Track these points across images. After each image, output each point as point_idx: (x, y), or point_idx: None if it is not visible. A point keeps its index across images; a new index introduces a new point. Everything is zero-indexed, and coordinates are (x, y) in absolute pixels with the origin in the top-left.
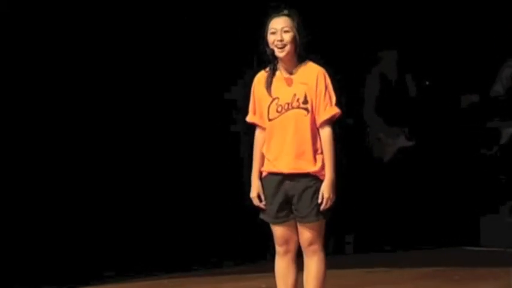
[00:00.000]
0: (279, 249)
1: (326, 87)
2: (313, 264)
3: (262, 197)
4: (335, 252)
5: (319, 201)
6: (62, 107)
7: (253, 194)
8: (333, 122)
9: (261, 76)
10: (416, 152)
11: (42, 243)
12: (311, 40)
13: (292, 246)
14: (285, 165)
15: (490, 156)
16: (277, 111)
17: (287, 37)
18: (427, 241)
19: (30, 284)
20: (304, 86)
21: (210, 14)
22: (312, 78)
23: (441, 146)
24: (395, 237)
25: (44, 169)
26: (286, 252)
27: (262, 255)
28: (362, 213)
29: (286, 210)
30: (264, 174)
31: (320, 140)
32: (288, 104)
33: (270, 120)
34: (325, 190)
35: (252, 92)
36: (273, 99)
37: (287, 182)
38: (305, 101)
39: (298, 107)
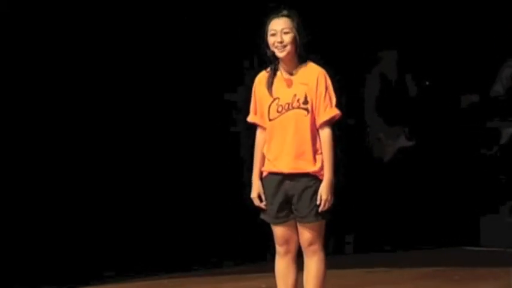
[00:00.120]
0: (279, 249)
1: (326, 88)
2: (313, 264)
3: (263, 197)
4: (335, 252)
5: (318, 202)
6: (62, 107)
7: (253, 194)
8: (332, 123)
9: (262, 76)
10: (416, 152)
11: (42, 243)
12: (311, 40)
13: (293, 246)
14: (285, 165)
15: (490, 156)
16: (277, 111)
17: (287, 38)
18: (427, 241)
19: (30, 284)
20: (304, 86)
21: (210, 14)
22: (313, 78)
23: (441, 146)
24: (395, 237)
25: (44, 169)
26: (286, 252)
27: (262, 255)
28: (362, 213)
29: (286, 210)
30: (264, 174)
31: (320, 140)
32: (289, 104)
33: (270, 120)
34: (324, 191)
35: (253, 92)
36: (274, 99)
37: (287, 182)
38: (305, 102)
39: (299, 107)
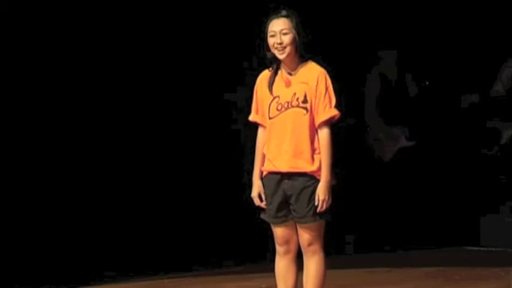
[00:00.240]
0: (279, 249)
1: (326, 89)
2: (313, 264)
3: (263, 197)
4: (335, 252)
5: (316, 203)
6: (62, 107)
7: (253, 194)
8: (331, 124)
9: (264, 76)
10: (416, 152)
11: (42, 243)
12: (311, 40)
13: (293, 246)
14: (283, 163)
15: (490, 156)
16: (277, 109)
17: (286, 39)
18: (427, 241)
19: (30, 284)
20: (304, 85)
21: (209, 14)
22: (313, 78)
23: (441, 146)
24: (395, 237)
25: (44, 169)
26: (286, 252)
27: (262, 255)
28: (362, 213)
29: (286, 210)
30: (264, 173)
31: (319, 140)
32: (288, 102)
33: (270, 118)
34: (321, 192)
35: (255, 91)
36: (274, 98)
37: (285, 181)
38: (304, 101)
39: (298, 106)
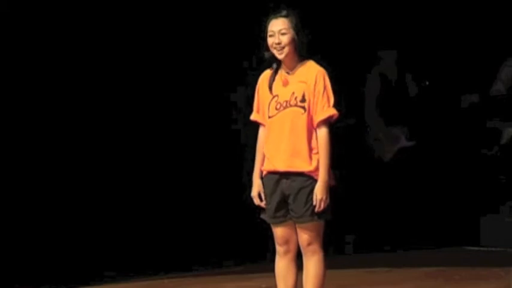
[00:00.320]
0: (279, 249)
1: (325, 88)
2: (312, 264)
3: (263, 196)
4: (335, 252)
5: (314, 202)
6: (62, 107)
7: (253, 193)
8: (330, 123)
9: (266, 75)
10: (416, 152)
11: (42, 243)
12: (311, 40)
13: (293, 246)
14: (281, 163)
15: (491, 156)
16: (276, 108)
17: (284, 39)
18: (427, 241)
19: (30, 284)
20: (303, 84)
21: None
22: (311, 77)
23: (441, 146)
24: (395, 237)
25: (44, 169)
26: (286, 252)
27: (262, 255)
28: (362, 213)
29: (284, 209)
30: (264, 173)
31: (317, 139)
32: (287, 102)
33: (269, 117)
34: (318, 191)
35: (256, 91)
36: (273, 97)
37: (284, 181)
38: (303, 100)
39: (296, 105)
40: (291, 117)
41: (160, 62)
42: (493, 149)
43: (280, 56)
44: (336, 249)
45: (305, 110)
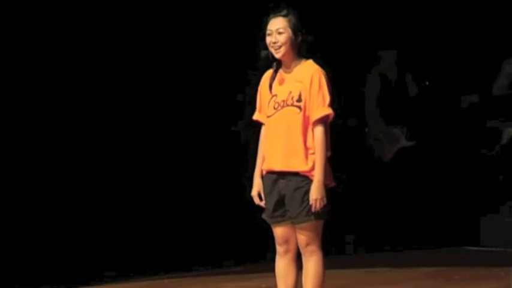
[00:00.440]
0: (279, 248)
1: (320, 87)
2: (311, 264)
3: (262, 196)
4: (335, 252)
5: (310, 202)
6: (62, 107)
7: (253, 193)
8: (326, 123)
9: (267, 75)
10: (416, 152)
11: (42, 243)
12: (311, 40)
13: (292, 246)
14: (277, 162)
15: (491, 156)
16: (274, 108)
17: (281, 38)
18: (427, 241)
19: (30, 284)
20: (299, 84)
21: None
22: (307, 76)
23: (441, 146)
24: (395, 237)
25: (44, 169)
26: (286, 251)
27: (262, 255)
28: (362, 213)
29: (282, 209)
30: (263, 172)
31: (313, 139)
32: (284, 101)
33: (268, 117)
34: (314, 191)
35: (259, 91)
36: (272, 97)
37: (280, 181)
38: (299, 99)
39: (292, 105)
40: (287, 117)
41: (161, 62)
42: (493, 149)
43: (277, 55)
44: (336, 249)
45: (301, 110)
